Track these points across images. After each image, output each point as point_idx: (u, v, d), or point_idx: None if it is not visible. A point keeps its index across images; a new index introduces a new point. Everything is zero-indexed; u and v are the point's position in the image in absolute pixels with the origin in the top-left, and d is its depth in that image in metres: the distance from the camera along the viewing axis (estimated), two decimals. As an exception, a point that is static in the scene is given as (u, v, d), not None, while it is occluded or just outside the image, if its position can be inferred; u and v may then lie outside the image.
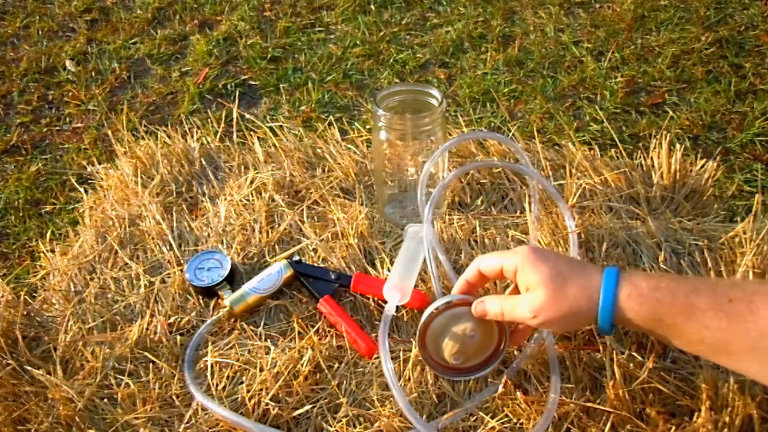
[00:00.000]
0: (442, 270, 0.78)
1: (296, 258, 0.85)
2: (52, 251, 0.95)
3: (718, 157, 1.74)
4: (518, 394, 0.68)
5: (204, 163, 1.04)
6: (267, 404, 0.69)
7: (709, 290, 0.54)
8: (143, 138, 1.11)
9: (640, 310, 0.56)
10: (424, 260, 0.80)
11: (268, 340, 0.77)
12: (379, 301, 0.80)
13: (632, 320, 0.57)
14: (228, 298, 0.79)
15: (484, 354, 0.69)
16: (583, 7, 2.43)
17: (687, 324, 0.54)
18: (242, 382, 0.72)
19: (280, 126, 1.10)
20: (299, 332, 0.77)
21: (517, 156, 0.87)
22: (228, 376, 0.73)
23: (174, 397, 0.72)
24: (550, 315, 0.60)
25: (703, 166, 0.95)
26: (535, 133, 1.13)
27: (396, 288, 0.75)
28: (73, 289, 0.86)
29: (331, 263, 0.85)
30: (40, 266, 0.95)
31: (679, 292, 0.55)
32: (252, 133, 1.10)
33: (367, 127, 1.82)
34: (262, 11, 2.56)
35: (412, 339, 0.75)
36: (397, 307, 0.77)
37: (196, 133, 1.10)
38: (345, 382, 0.72)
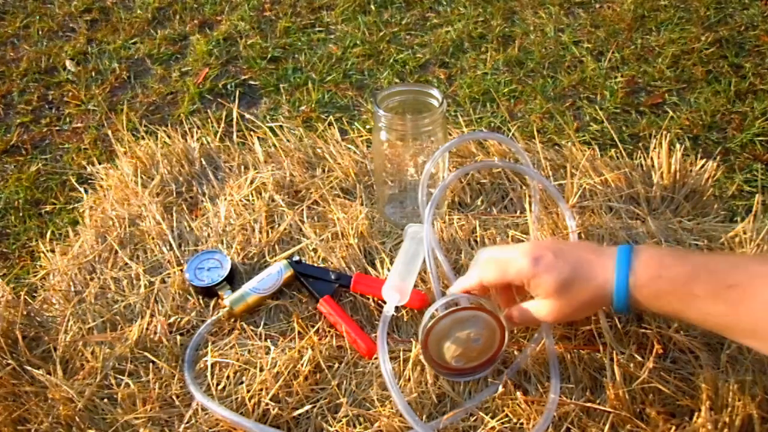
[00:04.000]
0: (442, 270, 0.78)
1: (296, 258, 0.85)
2: (52, 251, 0.95)
3: (718, 157, 1.74)
4: (518, 394, 0.68)
5: (204, 163, 1.04)
6: (267, 404, 0.69)
7: (709, 275, 0.55)
8: (143, 138, 1.11)
9: (648, 301, 0.58)
10: (424, 260, 0.80)
11: (268, 340, 0.77)
12: (379, 302, 0.80)
13: (643, 306, 0.59)
14: (228, 298, 0.79)
15: (485, 355, 0.69)
16: (583, 7, 2.43)
17: (689, 311, 0.56)
18: (242, 382, 0.72)
19: (280, 126, 1.10)
20: (299, 332, 0.77)
21: (517, 156, 0.87)
22: (228, 376, 0.73)
23: (174, 397, 0.72)
24: (561, 317, 0.64)
25: (703, 166, 0.95)
26: (535, 133, 1.13)
27: (395, 289, 0.75)
28: (73, 289, 0.86)
29: (331, 263, 0.85)
30: (40, 266, 0.95)
31: (679, 280, 0.56)
32: (252, 133, 1.10)
33: (367, 127, 1.82)
34: (262, 11, 2.56)
35: (412, 339, 0.75)
36: (397, 307, 0.77)
37: (196, 133, 1.10)
38: (345, 382, 0.72)
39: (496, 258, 0.65)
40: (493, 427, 0.66)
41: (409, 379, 0.71)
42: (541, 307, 0.63)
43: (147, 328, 0.79)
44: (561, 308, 0.61)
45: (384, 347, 0.69)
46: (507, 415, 0.67)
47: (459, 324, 0.67)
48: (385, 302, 0.75)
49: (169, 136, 1.08)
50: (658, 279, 0.57)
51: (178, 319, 0.80)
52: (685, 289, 0.56)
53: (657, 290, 0.57)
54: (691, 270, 0.56)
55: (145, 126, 1.92)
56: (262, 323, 0.79)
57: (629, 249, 0.59)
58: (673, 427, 0.63)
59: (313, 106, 2.04)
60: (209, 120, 1.26)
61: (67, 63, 2.36)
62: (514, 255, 0.63)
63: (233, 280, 0.84)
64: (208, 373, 0.73)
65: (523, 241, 0.85)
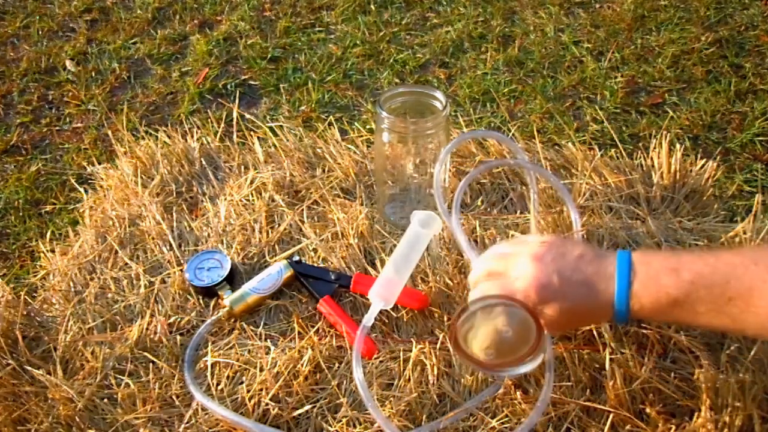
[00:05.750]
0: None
1: (296, 258, 0.85)
2: (52, 251, 0.95)
3: (718, 157, 1.74)
4: (518, 394, 0.68)
5: (204, 163, 1.04)
6: (267, 404, 0.69)
7: (707, 292, 0.56)
8: (143, 138, 1.11)
9: (651, 317, 0.63)
10: (422, 257, 0.80)
11: (268, 340, 0.77)
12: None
13: (646, 321, 0.66)
14: (228, 298, 0.79)
15: (521, 350, 0.65)
16: (583, 7, 2.42)
17: (693, 323, 0.61)
18: (242, 382, 0.72)
19: (280, 126, 1.10)
20: (299, 332, 0.77)
21: (515, 155, 0.87)
22: (228, 376, 0.73)
23: (174, 397, 0.72)
24: (562, 332, 0.72)
25: (703, 166, 0.95)
26: (535, 133, 1.13)
27: (379, 295, 0.74)
28: (73, 289, 0.86)
29: (331, 263, 0.85)
30: (40, 266, 0.95)
31: (679, 300, 0.57)
32: (252, 133, 1.10)
33: (368, 127, 1.82)
34: (262, 11, 2.56)
35: (412, 339, 0.75)
36: (398, 306, 0.77)
37: (196, 133, 1.10)
38: (345, 382, 0.72)
39: (501, 275, 0.65)
40: (493, 427, 0.66)
41: (409, 379, 0.71)
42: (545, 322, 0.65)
43: (147, 328, 0.79)
44: (564, 326, 0.67)
45: (358, 353, 0.68)
46: (507, 415, 0.67)
47: (487, 315, 0.64)
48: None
49: (169, 136, 1.08)
50: (658, 302, 0.58)
51: (178, 319, 0.80)
52: (686, 308, 0.57)
53: (658, 311, 0.59)
54: (689, 288, 0.57)
55: (145, 126, 1.92)
56: (262, 323, 0.79)
57: (628, 269, 0.59)
58: (673, 427, 0.63)
59: (313, 106, 2.04)
60: (209, 120, 1.27)
61: (67, 63, 2.36)
62: (519, 279, 0.63)
63: (233, 280, 0.84)
64: (208, 373, 0.73)
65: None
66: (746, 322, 0.55)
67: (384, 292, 0.74)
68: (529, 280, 0.62)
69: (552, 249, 0.63)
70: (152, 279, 0.86)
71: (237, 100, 2.08)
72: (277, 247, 0.89)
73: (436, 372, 0.71)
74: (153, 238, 0.91)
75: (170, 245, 0.90)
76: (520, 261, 0.64)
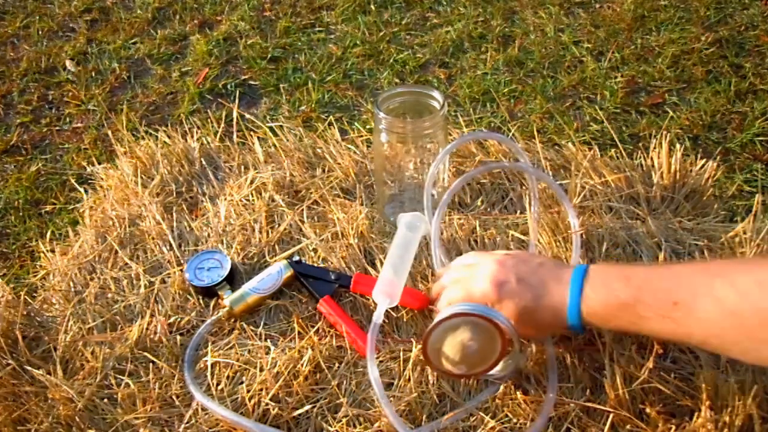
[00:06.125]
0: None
1: (296, 258, 0.85)
2: (52, 251, 0.95)
3: (718, 157, 1.74)
4: (518, 394, 0.68)
5: (204, 163, 1.04)
6: (267, 404, 0.69)
7: (653, 296, 0.58)
8: (143, 138, 1.11)
9: (601, 324, 0.63)
10: (416, 256, 0.80)
11: (268, 340, 0.77)
12: (379, 301, 0.80)
13: (598, 328, 0.67)
14: (228, 298, 0.79)
15: (489, 360, 0.67)
16: (583, 7, 2.42)
17: (640, 329, 0.60)
18: (242, 382, 0.72)
19: (280, 126, 1.10)
20: (299, 332, 0.77)
21: (516, 156, 0.87)
22: (228, 376, 0.73)
23: (174, 397, 0.72)
24: (523, 336, 0.68)
25: (703, 166, 0.95)
26: (535, 133, 1.13)
27: (384, 293, 0.74)
28: (73, 289, 0.86)
29: (331, 263, 0.85)
30: (40, 266, 0.95)
31: (627, 304, 0.59)
32: (252, 133, 1.10)
33: (368, 127, 1.82)
34: (262, 11, 2.56)
35: (412, 339, 0.75)
36: (398, 306, 0.77)
37: (196, 133, 1.10)
38: (345, 382, 0.72)
39: (464, 280, 0.69)
40: (493, 427, 0.66)
41: (409, 379, 0.71)
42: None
43: (147, 328, 0.79)
44: (522, 329, 0.66)
45: (372, 354, 0.68)
46: (507, 415, 0.67)
47: (451, 332, 0.65)
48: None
49: (169, 136, 1.08)
50: (606, 305, 0.61)
51: (178, 319, 0.80)
52: (633, 311, 0.59)
53: (607, 315, 0.61)
54: (636, 293, 0.59)
55: (145, 126, 1.92)
56: (262, 323, 0.79)
57: (582, 275, 0.62)
58: (673, 427, 0.63)
59: (313, 106, 2.04)
60: (209, 120, 1.27)
61: (67, 63, 2.36)
62: (479, 278, 0.67)
63: (233, 280, 0.84)
64: (208, 373, 0.73)
65: (523, 240, 0.85)
66: (691, 327, 0.56)
67: (388, 289, 0.75)
68: (488, 279, 0.66)
69: (515, 257, 0.68)
70: (152, 279, 0.86)
71: (237, 100, 2.08)
72: (277, 247, 0.89)
73: (436, 372, 0.71)
74: (153, 238, 0.91)
75: (170, 245, 0.90)
76: (483, 266, 0.68)
